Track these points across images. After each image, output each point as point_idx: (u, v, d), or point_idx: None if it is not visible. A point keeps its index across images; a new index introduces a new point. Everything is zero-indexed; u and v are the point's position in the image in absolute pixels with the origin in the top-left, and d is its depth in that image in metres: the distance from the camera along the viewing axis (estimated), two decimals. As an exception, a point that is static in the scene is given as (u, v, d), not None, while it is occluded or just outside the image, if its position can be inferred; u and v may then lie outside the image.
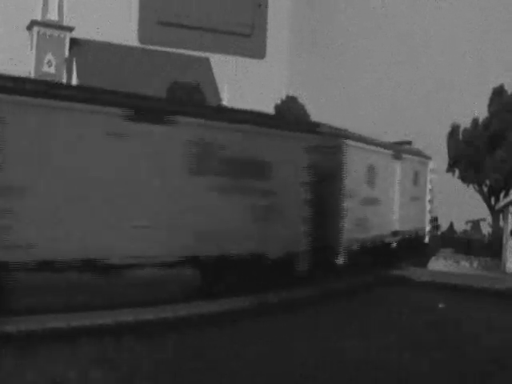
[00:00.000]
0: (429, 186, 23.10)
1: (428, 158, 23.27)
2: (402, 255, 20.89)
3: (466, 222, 32.61)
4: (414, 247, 21.85)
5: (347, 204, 16.11)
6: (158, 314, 11.49)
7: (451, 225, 31.95)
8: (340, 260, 15.73)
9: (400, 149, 20.70)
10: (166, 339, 10.24)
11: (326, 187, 15.40)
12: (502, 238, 24.07)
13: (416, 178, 21.72)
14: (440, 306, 14.70)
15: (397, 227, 19.74)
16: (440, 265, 23.64)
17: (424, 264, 22.70)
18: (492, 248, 25.23)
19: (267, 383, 8.67)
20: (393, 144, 20.81)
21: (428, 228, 23.36)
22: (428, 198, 23.17)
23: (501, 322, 13.13)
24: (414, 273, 19.69)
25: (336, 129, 17.09)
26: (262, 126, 13.98)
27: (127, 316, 11.03)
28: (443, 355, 10.16)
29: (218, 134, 13.00)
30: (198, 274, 13.44)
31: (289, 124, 15.89)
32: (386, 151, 19.31)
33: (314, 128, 15.90)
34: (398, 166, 19.85)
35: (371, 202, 17.83)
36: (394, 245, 19.73)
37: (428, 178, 23.07)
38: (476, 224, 32.17)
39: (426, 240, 23.34)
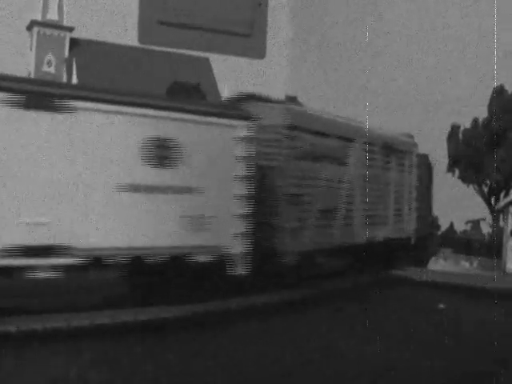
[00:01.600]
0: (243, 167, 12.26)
1: (245, 118, 12.49)
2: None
3: (466, 222, 32.67)
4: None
5: None
6: (158, 314, 11.48)
7: (451, 225, 32.01)
8: None
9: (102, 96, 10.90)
10: (166, 339, 10.23)
11: None
12: (502, 237, 24.07)
13: (161, 152, 11.30)
14: (440, 306, 14.68)
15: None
16: (440, 265, 23.62)
17: (424, 264, 22.66)
18: (492, 248, 25.24)
19: (268, 383, 8.67)
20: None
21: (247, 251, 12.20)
22: (238, 191, 12.21)
23: (501, 322, 13.11)
24: (414, 273, 19.67)
25: None
26: None
27: (127, 316, 11.02)
28: (443, 355, 10.16)
29: None
30: None
31: None
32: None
33: None
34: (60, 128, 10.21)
35: None
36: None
37: (236, 150, 12.20)
38: (476, 224, 32.23)
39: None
